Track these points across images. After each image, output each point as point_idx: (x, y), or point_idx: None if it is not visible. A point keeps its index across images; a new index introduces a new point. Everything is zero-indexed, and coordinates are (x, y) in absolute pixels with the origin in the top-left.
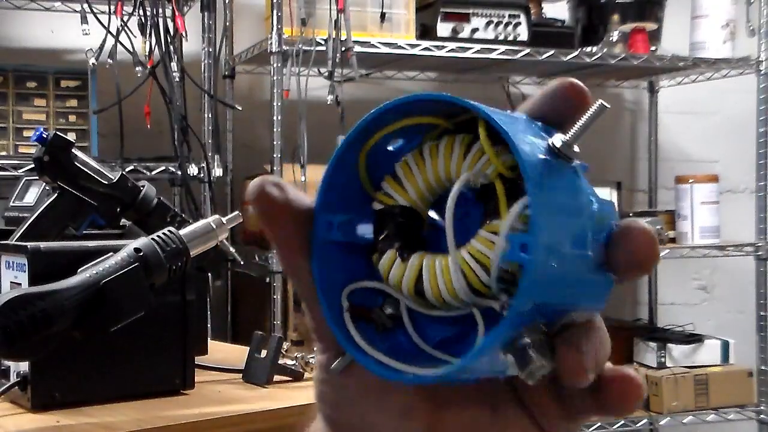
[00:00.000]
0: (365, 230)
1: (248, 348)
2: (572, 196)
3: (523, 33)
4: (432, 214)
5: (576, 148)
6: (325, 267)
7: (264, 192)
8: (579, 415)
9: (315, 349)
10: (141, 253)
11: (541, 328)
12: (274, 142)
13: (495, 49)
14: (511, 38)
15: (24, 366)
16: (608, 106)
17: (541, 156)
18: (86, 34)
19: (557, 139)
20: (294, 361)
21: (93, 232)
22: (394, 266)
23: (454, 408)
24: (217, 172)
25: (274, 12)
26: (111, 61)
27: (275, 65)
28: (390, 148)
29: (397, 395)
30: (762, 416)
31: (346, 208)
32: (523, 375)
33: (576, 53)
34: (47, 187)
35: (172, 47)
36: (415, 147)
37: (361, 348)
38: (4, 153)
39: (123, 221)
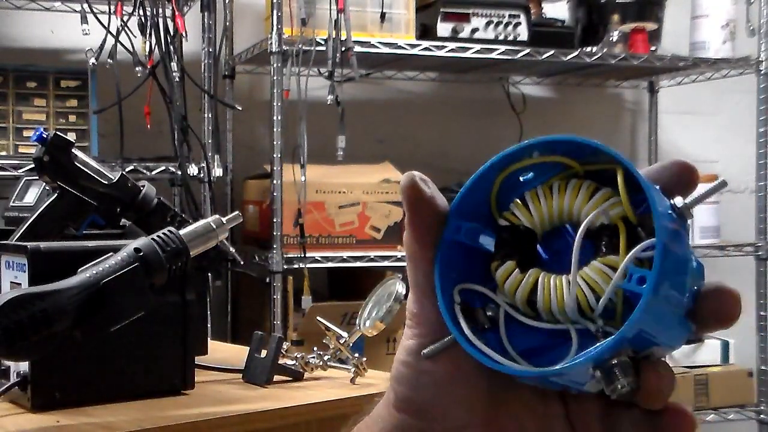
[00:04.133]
0: (485, 241)
1: (248, 348)
2: (683, 250)
3: (523, 33)
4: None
5: (692, 212)
6: (445, 263)
7: (415, 183)
8: None
9: (406, 332)
10: (141, 253)
11: (629, 353)
12: (274, 142)
13: (495, 49)
14: (511, 38)
15: (24, 366)
16: (727, 183)
17: (669, 211)
18: (86, 34)
19: (679, 201)
20: (294, 361)
21: (93, 232)
22: (511, 276)
23: (511, 413)
24: (217, 172)
25: (274, 12)
26: (111, 61)
27: (275, 65)
28: (521, 178)
29: (465, 388)
30: (762, 416)
31: (474, 218)
32: (607, 389)
33: (576, 53)
34: (47, 187)
35: (172, 47)
36: (544, 182)
37: (469, 338)
38: (4, 153)
39: (123, 221)
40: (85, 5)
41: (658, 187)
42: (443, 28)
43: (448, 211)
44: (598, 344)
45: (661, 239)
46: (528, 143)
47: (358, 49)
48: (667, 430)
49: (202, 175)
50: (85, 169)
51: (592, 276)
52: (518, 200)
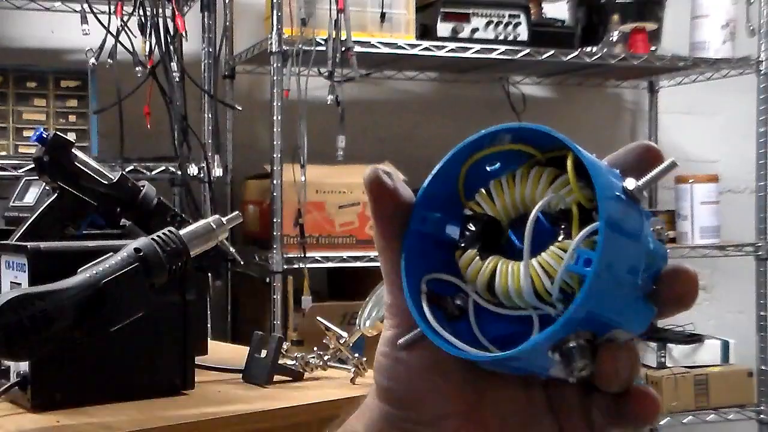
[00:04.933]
0: (452, 231)
1: (248, 348)
2: (634, 232)
3: (523, 33)
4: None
5: (644, 194)
6: (412, 253)
7: (377, 177)
8: (602, 424)
9: (384, 323)
10: (141, 253)
11: (587, 336)
12: (274, 142)
13: (495, 49)
14: (511, 38)
15: (24, 366)
16: (678, 164)
17: (616, 193)
18: (86, 34)
19: (630, 183)
20: (294, 361)
21: (93, 232)
22: (472, 263)
23: (492, 403)
24: (217, 172)
25: (274, 12)
26: (111, 61)
27: (275, 65)
28: (488, 168)
29: (447, 379)
30: (762, 416)
31: (440, 208)
32: (566, 372)
33: (576, 53)
34: (47, 187)
35: (172, 47)
36: (510, 172)
37: (432, 326)
38: (4, 153)
39: (123, 221)
40: (85, 5)
41: (618, 170)
42: (443, 28)
43: (413, 203)
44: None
45: (603, 221)
46: (484, 132)
47: (358, 49)
48: (631, 412)
49: (202, 175)
50: (85, 169)
51: (548, 260)
52: (483, 190)
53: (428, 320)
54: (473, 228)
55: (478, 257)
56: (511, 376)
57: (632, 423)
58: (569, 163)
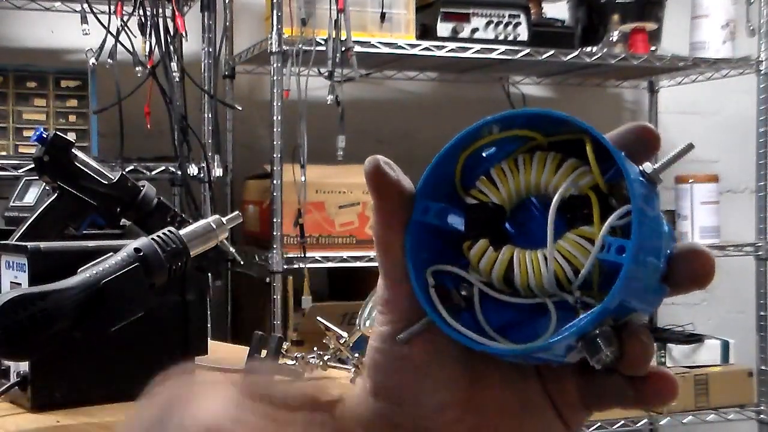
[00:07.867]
0: (454, 220)
1: (248, 348)
2: (656, 215)
3: (523, 33)
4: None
5: (661, 177)
6: (415, 245)
7: (379, 168)
8: (603, 403)
9: (378, 319)
10: (141, 253)
11: (609, 322)
12: (274, 142)
13: (495, 49)
14: (511, 38)
15: (24, 366)
16: (694, 146)
17: (639, 177)
18: (86, 34)
19: (648, 166)
20: (294, 361)
21: (93, 232)
22: (485, 255)
23: (489, 389)
24: (217, 172)
25: (274, 12)
26: (111, 61)
27: (275, 65)
28: (483, 154)
29: (442, 370)
30: (762, 416)
31: (441, 198)
32: (593, 361)
33: (576, 53)
34: (47, 187)
35: (172, 47)
36: (508, 156)
37: (446, 319)
38: (4, 153)
39: (123, 221)
40: (85, 5)
41: (623, 153)
42: (443, 28)
43: (414, 193)
44: (581, 317)
45: (636, 206)
46: (489, 119)
47: (358, 49)
48: (651, 395)
49: (202, 175)
50: (85, 169)
51: (568, 249)
52: (484, 177)
53: (441, 313)
54: (480, 217)
55: (491, 248)
56: (505, 362)
57: (650, 405)
58: (589, 147)
